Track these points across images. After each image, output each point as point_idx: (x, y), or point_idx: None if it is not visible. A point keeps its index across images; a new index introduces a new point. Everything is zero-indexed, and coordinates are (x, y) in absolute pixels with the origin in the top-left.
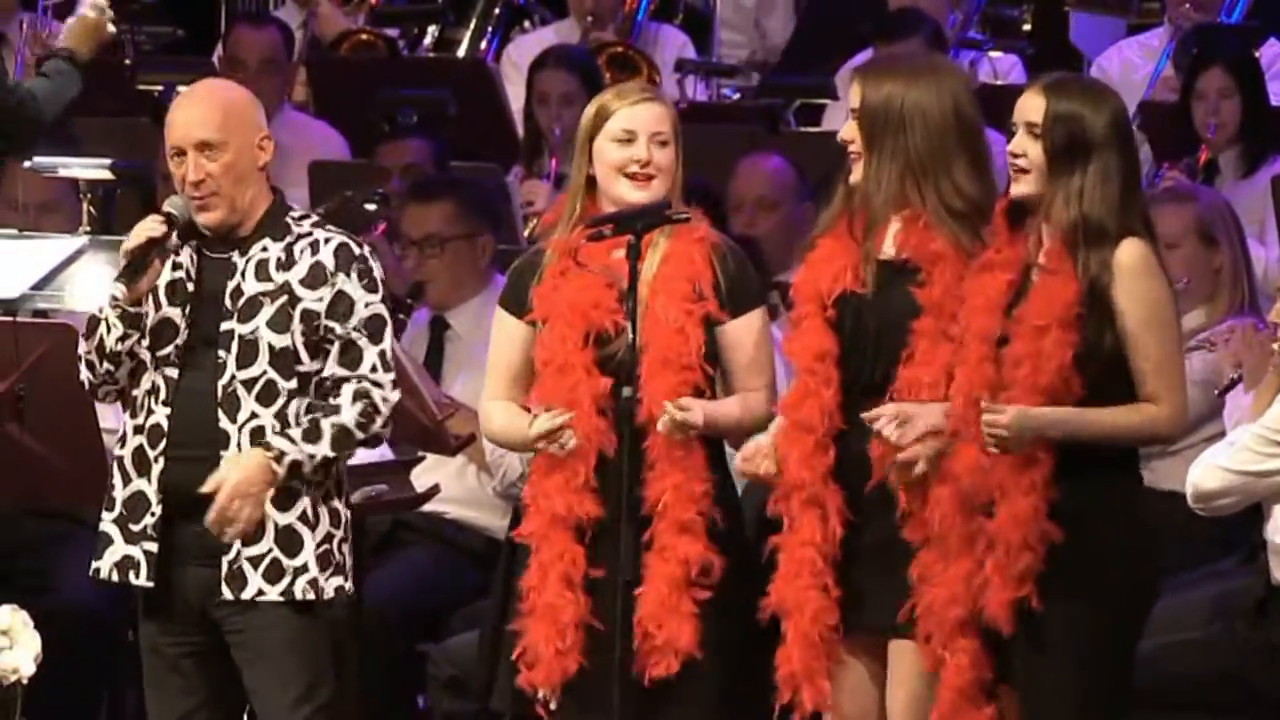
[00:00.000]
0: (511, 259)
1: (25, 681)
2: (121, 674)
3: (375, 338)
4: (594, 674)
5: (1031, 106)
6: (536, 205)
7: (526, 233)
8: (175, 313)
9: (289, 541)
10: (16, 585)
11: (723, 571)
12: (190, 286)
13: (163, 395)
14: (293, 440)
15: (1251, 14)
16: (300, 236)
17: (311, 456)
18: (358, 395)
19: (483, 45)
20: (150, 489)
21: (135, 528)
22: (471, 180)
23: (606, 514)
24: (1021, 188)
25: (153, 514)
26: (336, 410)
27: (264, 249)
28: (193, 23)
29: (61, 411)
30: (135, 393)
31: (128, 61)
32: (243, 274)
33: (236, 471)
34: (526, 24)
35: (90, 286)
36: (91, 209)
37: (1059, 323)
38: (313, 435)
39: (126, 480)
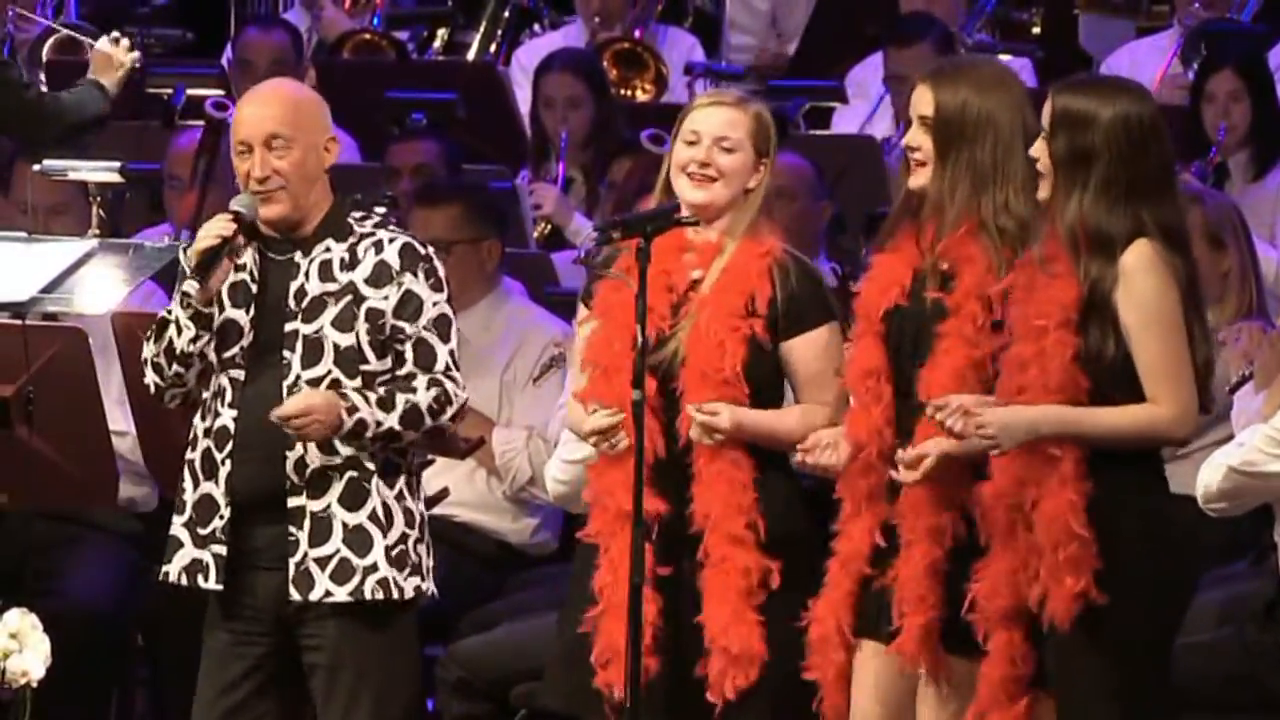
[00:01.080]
0: (520, 262)
1: (34, 684)
2: (130, 677)
3: (445, 336)
4: (665, 674)
5: (1045, 110)
6: (545, 209)
7: (535, 235)
8: (239, 315)
9: (358, 541)
10: (25, 588)
11: (782, 579)
12: (254, 288)
13: (229, 398)
14: (367, 401)
15: (1260, 17)
16: (363, 237)
17: (379, 423)
18: (432, 383)
19: (492, 48)
20: (218, 492)
21: (204, 531)
22: (478, 184)
23: (668, 511)
24: (1040, 191)
25: (221, 517)
26: (412, 390)
27: (327, 249)
28: (202, 26)
29: (70, 414)
30: (204, 395)
31: (137, 65)
32: (306, 274)
33: (317, 396)
34: (536, 27)
35: (99, 290)
36: (101, 212)
37: (1058, 323)
38: (386, 404)
39: (196, 483)
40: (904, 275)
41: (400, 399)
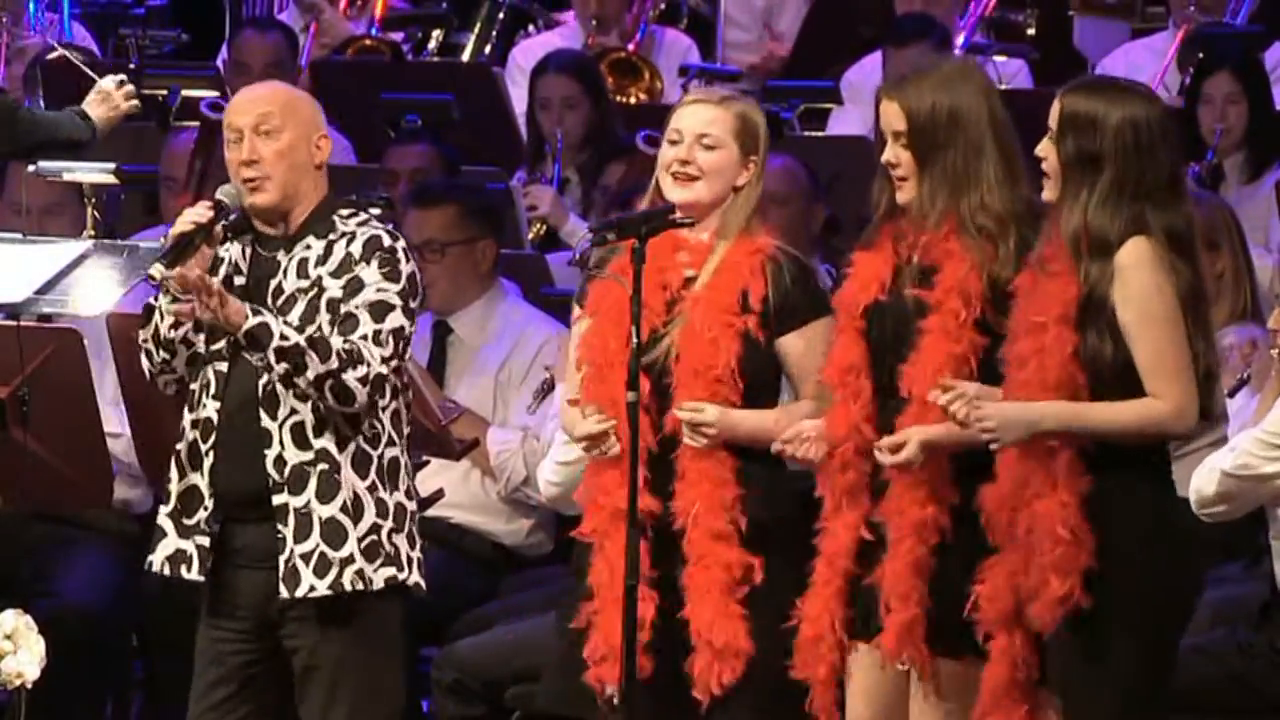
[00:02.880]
0: (515, 263)
1: (29, 686)
2: (126, 678)
3: (376, 316)
4: (658, 673)
5: (1052, 111)
6: (540, 209)
7: (530, 237)
8: None
9: (333, 534)
10: (21, 589)
11: (765, 574)
12: (240, 281)
13: (213, 390)
14: (276, 320)
15: (1256, 17)
16: (343, 234)
17: (284, 336)
18: (346, 340)
19: (487, 50)
20: (203, 483)
21: (189, 522)
22: (473, 185)
23: (661, 509)
24: (1046, 192)
25: (205, 508)
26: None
27: (307, 246)
28: (198, 27)
29: (65, 416)
30: (193, 387)
31: (132, 66)
32: (284, 272)
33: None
34: (530, 28)
35: (95, 291)
36: (96, 213)
37: (1056, 320)
38: (294, 328)
39: (182, 474)
40: (883, 272)
41: (310, 328)
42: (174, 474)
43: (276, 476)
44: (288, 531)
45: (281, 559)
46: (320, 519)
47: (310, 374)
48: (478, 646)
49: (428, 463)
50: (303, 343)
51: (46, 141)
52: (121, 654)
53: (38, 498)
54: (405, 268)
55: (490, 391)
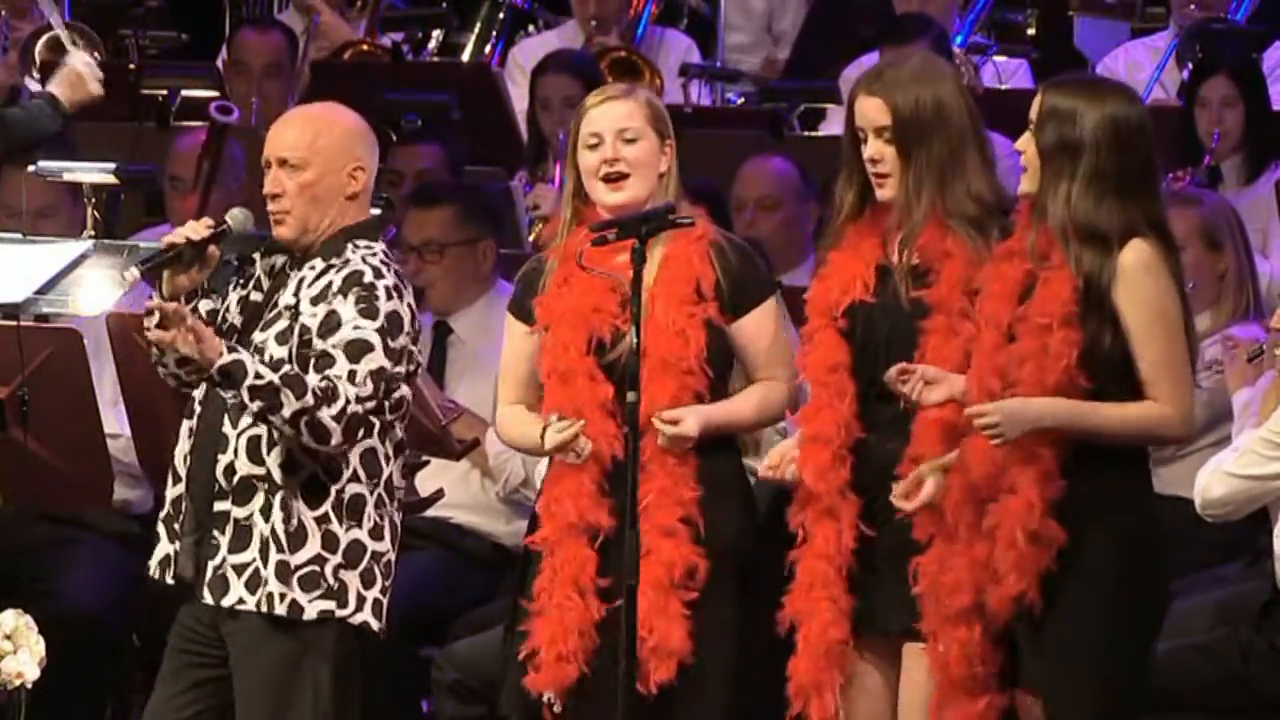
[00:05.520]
0: (515, 264)
1: (29, 686)
2: (126, 679)
3: (352, 357)
4: (599, 681)
5: (1033, 104)
6: (543, 209)
7: (531, 237)
8: (239, 321)
9: (268, 553)
10: (21, 589)
11: (728, 578)
12: (257, 297)
13: (200, 396)
14: (251, 357)
15: (1256, 16)
16: (345, 263)
17: (258, 375)
18: (324, 378)
19: (487, 50)
20: (184, 488)
21: (177, 526)
22: (473, 185)
23: (618, 519)
24: (1024, 185)
25: (183, 512)
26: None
27: (312, 267)
28: (197, 27)
29: (65, 416)
30: (193, 394)
31: (132, 66)
32: (286, 289)
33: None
34: (530, 28)
35: (95, 291)
36: (95, 213)
37: (1061, 321)
38: (270, 366)
39: (176, 480)
40: (864, 272)
41: (285, 366)
42: (170, 479)
43: (223, 483)
44: (223, 539)
45: (211, 564)
46: (263, 535)
47: (285, 412)
48: (478, 646)
49: (428, 463)
50: (277, 381)
51: (24, 143)
52: (121, 654)
53: (38, 498)
54: (384, 305)
55: (490, 392)
